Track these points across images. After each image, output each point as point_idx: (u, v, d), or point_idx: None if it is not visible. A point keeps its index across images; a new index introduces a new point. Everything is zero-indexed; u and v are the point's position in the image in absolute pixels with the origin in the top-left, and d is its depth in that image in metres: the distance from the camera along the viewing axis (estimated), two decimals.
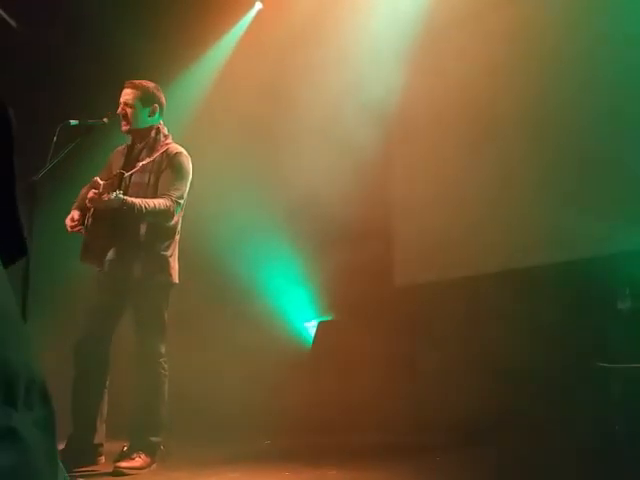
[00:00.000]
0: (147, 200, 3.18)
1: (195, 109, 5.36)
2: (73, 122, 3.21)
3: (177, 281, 3.37)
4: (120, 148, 3.51)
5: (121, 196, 3.06)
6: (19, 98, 4.80)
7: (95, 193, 3.08)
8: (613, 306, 3.60)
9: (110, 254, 3.25)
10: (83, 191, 3.43)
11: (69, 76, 4.95)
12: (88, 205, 3.18)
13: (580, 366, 3.55)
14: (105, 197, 3.03)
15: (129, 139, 3.43)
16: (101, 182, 3.13)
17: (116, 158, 3.47)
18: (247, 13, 5.65)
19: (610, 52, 4.09)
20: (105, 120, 3.31)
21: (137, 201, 3.13)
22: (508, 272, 4.32)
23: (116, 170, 3.36)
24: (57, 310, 4.77)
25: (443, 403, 3.93)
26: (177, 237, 3.38)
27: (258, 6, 5.64)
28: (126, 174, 3.19)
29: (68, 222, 3.30)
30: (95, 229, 3.21)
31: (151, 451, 3.27)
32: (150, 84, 3.40)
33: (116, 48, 4.88)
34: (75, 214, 3.31)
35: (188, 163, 3.36)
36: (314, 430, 4.24)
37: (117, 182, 3.10)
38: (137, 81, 3.38)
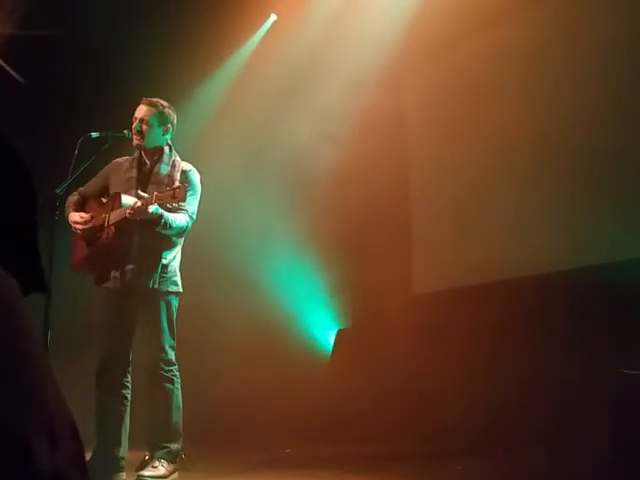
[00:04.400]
0: (175, 215, 3.25)
1: (213, 118, 5.43)
2: (94, 134, 3.28)
3: (182, 290, 3.43)
4: (120, 161, 3.50)
5: (160, 209, 3.14)
6: (41, 112, 4.88)
7: (143, 204, 3.09)
8: (637, 310, 3.56)
9: (129, 266, 3.27)
10: (74, 198, 3.45)
11: (87, 90, 5.04)
12: (129, 216, 3.15)
13: (603, 372, 3.51)
14: (150, 208, 3.08)
15: (136, 152, 3.45)
16: (146, 195, 3.15)
17: (118, 170, 3.45)
18: (263, 24, 5.73)
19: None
20: (125, 132, 3.37)
21: (169, 215, 3.22)
22: (528, 278, 4.29)
23: (118, 182, 3.37)
24: (79, 320, 4.83)
25: (463, 411, 3.91)
26: (180, 248, 3.45)
27: (273, 17, 5.72)
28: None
29: (79, 219, 3.31)
30: (117, 241, 3.21)
31: (172, 458, 3.31)
32: (165, 104, 3.43)
33: (132, 63, 4.96)
34: (83, 214, 3.34)
35: (198, 180, 3.45)
36: (334, 438, 4.24)
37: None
38: (154, 99, 3.41)
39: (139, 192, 3.19)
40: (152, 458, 3.27)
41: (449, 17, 4.71)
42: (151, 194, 3.13)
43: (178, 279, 3.39)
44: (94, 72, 5.10)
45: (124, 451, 3.32)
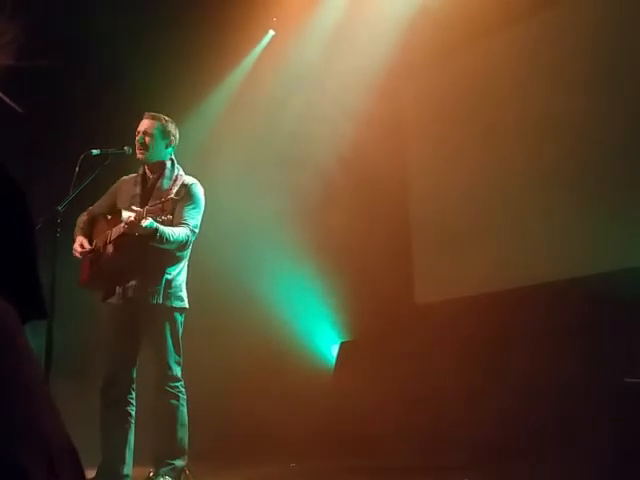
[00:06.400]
0: (172, 228, 3.22)
1: (212, 134, 5.46)
2: (95, 152, 3.29)
3: (188, 306, 3.41)
4: (127, 178, 3.53)
5: (155, 223, 3.09)
6: (43, 130, 4.89)
7: (136, 218, 3.07)
8: (637, 319, 3.55)
9: (131, 282, 3.27)
10: (83, 218, 3.47)
11: (87, 107, 5.07)
12: (125, 230, 3.16)
13: (608, 381, 3.50)
14: (144, 222, 3.04)
15: (140, 169, 3.49)
16: (139, 209, 3.14)
17: (125, 187, 3.49)
18: (261, 40, 5.80)
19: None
20: (126, 149, 3.39)
21: (166, 229, 3.18)
22: (533, 287, 4.29)
23: (124, 199, 3.39)
24: (82, 334, 4.83)
25: (468, 421, 3.89)
26: (186, 263, 3.44)
27: (271, 33, 5.79)
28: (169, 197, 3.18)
29: (78, 248, 3.33)
30: (118, 257, 3.23)
31: (177, 475, 3.29)
32: (167, 118, 3.47)
33: (133, 80, 4.99)
34: (85, 242, 3.35)
35: (202, 194, 3.43)
36: (339, 451, 4.22)
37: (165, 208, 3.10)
38: (156, 114, 3.44)
39: (133, 207, 3.19)
40: (156, 475, 3.25)
41: (443, 27, 4.77)
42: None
43: (184, 294, 3.37)
44: (94, 90, 5.14)
45: (129, 469, 3.30)
